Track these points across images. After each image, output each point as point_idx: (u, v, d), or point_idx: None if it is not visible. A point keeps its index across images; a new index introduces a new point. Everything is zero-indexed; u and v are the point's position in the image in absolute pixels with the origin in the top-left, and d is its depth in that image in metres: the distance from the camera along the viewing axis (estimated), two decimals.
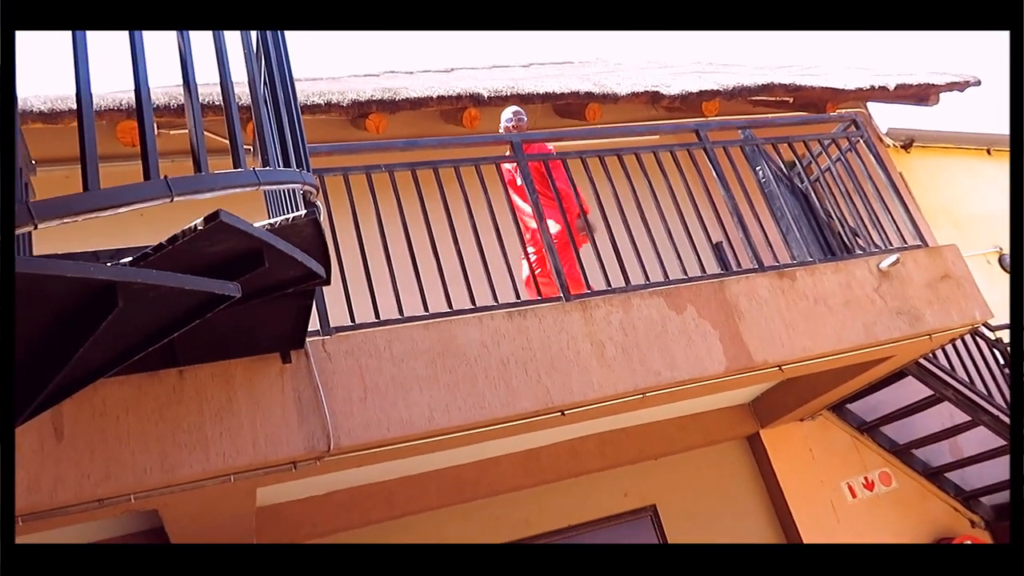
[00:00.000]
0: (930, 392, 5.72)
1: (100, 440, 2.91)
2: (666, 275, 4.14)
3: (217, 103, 4.07)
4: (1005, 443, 5.60)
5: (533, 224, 4.60)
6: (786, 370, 4.33)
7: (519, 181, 4.65)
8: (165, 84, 4.92)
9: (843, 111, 7.27)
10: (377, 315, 3.53)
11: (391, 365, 3.38)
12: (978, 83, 7.73)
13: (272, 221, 2.22)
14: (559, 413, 3.64)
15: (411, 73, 8.50)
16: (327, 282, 2.68)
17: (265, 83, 2.53)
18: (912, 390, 5.83)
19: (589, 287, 4.01)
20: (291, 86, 2.49)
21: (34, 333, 1.78)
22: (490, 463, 5.23)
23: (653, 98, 6.53)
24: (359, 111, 5.61)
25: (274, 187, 2.54)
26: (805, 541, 5.74)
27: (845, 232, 5.06)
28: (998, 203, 7.75)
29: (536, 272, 4.48)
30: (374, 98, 5.59)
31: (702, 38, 26.84)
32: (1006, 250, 7.79)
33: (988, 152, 8.83)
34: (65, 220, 1.50)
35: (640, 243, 4.18)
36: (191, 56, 1.92)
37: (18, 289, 1.49)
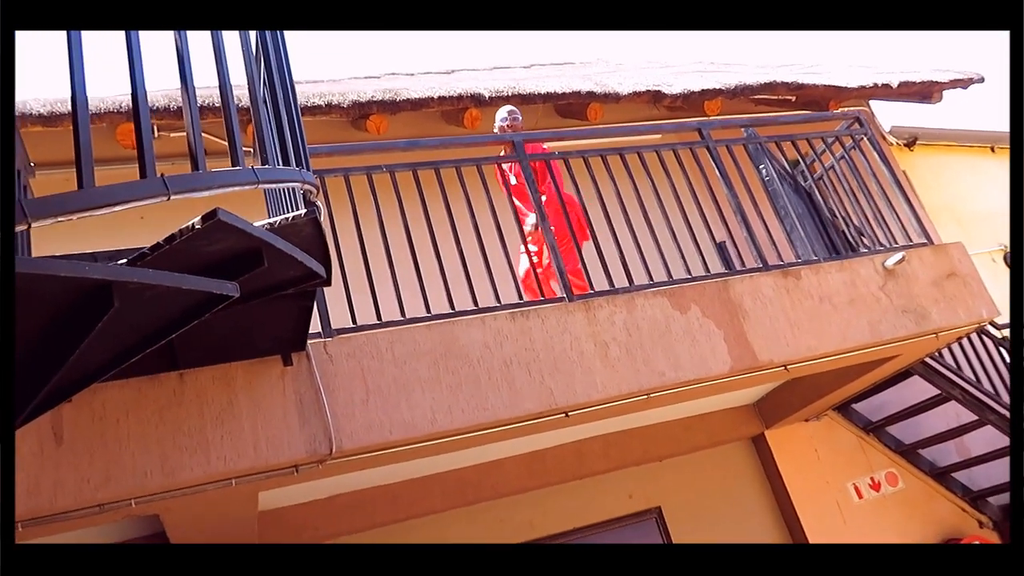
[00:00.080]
0: (936, 391, 5.69)
1: (100, 444, 2.88)
2: (670, 275, 4.11)
3: (217, 105, 4.06)
4: None
5: (531, 222, 4.57)
6: (791, 370, 4.30)
7: (513, 180, 4.62)
8: (165, 88, 4.91)
9: (846, 109, 7.23)
10: (379, 316, 3.51)
11: (393, 367, 3.36)
12: (982, 80, 7.69)
13: (271, 220, 2.20)
14: (563, 414, 3.62)
15: (412, 75, 8.49)
16: (327, 282, 2.65)
17: (264, 82, 2.51)
18: (918, 389, 5.79)
19: (589, 280, 3.99)
20: (290, 84, 2.47)
21: (30, 334, 1.76)
22: (494, 465, 5.20)
23: (655, 97, 6.50)
24: (360, 112, 5.59)
25: (273, 186, 2.52)
26: (811, 542, 5.70)
27: (849, 230, 5.03)
28: (1002, 201, 7.70)
29: (538, 270, 4.45)
30: (375, 99, 5.58)
31: (703, 38, 26.85)
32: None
33: (992, 150, 8.79)
34: (59, 219, 1.47)
35: (643, 243, 4.15)
36: (188, 51, 1.90)
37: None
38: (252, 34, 2.45)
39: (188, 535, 3.99)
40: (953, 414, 5.83)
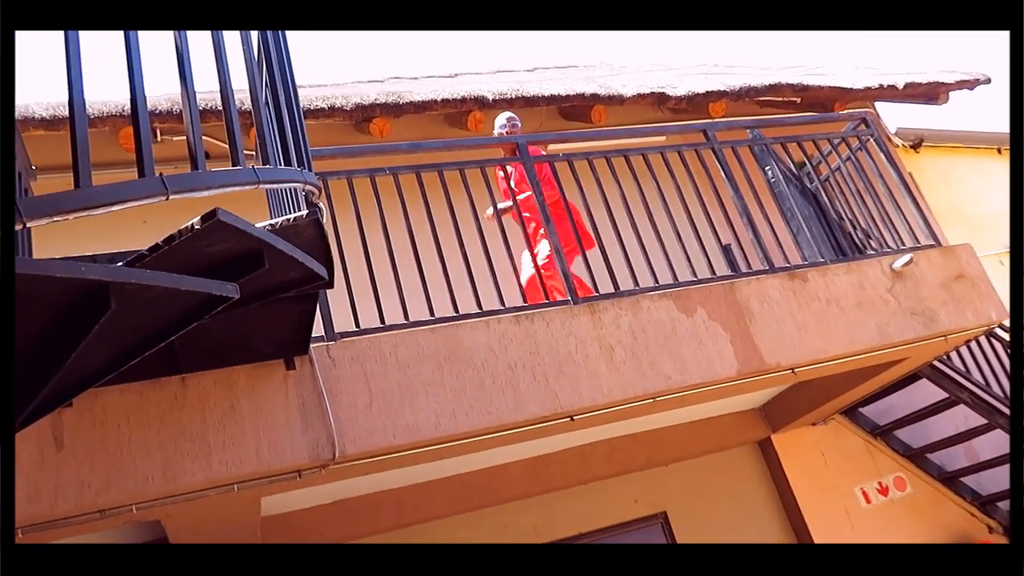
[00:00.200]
0: (945, 395, 5.64)
1: (101, 449, 2.86)
2: (675, 277, 4.08)
3: (218, 109, 4.04)
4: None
5: (502, 205, 4.54)
6: (798, 373, 4.25)
7: (511, 183, 4.60)
8: (167, 92, 4.89)
9: (852, 111, 7.19)
10: (382, 320, 3.48)
11: (397, 371, 3.33)
12: (988, 81, 7.64)
13: (273, 221, 2.17)
14: (568, 418, 3.58)
15: (415, 78, 8.47)
16: (330, 284, 2.62)
17: (266, 82, 2.49)
18: (926, 393, 5.74)
19: (594, 283, 3.95)
20: (292, 84, 2.44)
21: (29, 335, 1.73)
22: (498, 470, 5.17)
23: (659, 99, 6.48)
24: (363, 115, 5.58)
25: (274, 186, 2.49)
26: None
27: (856, 232, 4.99)
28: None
29: (545, 275, 4.41)
30: (378, 102, 5.56)
31: (707, 40, 26.85)
32: None
33: (999, 151, 8.75)
34: (55, 218, 1.44)
35: (648, 245, 4.12)
36: (187, 49, 1.87)
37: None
38: (253, 34, 2.43)
39: (190, 540, 3.96)
40: (962, 418, 5.78)
